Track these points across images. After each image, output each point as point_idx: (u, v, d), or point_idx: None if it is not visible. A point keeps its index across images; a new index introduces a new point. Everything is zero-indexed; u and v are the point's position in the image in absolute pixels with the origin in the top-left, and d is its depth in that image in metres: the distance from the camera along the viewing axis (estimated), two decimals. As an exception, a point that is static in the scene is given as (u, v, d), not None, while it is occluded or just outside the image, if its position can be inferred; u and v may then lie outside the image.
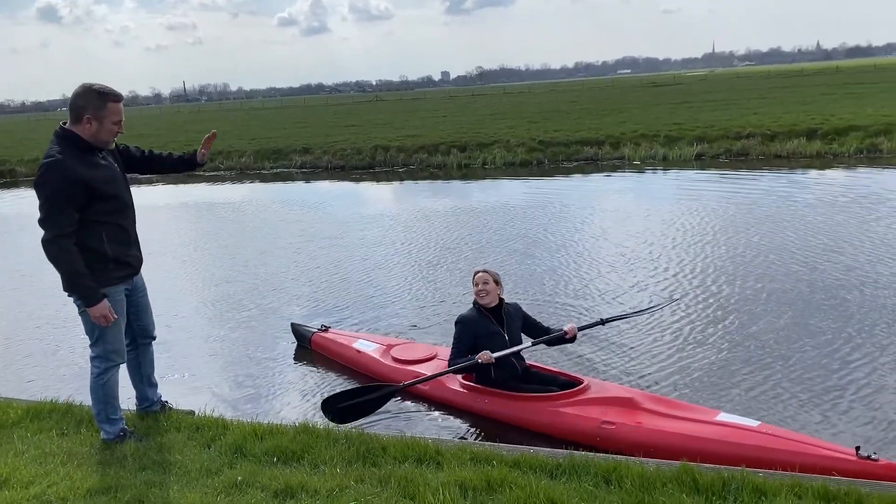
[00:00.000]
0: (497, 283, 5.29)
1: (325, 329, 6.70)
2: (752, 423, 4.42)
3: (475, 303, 5.31)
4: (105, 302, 3.91)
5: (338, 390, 5.46)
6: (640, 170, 18.65)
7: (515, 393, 5.08)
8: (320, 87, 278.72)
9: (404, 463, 3.80)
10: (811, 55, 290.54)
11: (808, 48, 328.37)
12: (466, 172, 20.60)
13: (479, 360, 5.04)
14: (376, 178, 21.20)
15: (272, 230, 13.27)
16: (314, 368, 6.44)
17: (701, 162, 19.00)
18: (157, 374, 4.71)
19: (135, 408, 4.69)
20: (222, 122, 43.23)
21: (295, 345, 6.93)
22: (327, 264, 10.18)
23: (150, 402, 4.58)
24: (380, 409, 5.20)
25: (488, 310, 5.26)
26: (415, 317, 7.63)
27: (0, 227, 15.73)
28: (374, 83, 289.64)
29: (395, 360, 5.91)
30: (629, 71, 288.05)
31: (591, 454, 3.88)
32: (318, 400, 5.59)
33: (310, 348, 6.71)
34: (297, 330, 6.94)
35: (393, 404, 5.46)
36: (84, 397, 5.29)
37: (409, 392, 5.52)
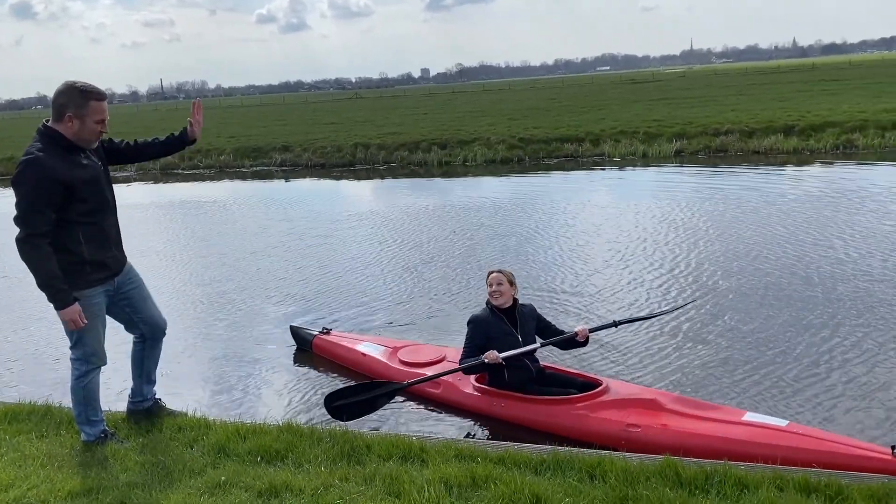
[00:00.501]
0: (511, 283, 5.17)
1: (327, 332, 6.55)
2: (781, 422, 4.33)
3: (488, 303, 5.19)
4: (76, 306, 3.81)
5: (340, 387, 5.42)
6: (621, 167, 18.77)
7: (533, 396, 4.94)
8: (299, 85, 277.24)
9: (389, 461, 3.79)
10: (787, 52, 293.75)
11: (784, 45, 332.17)
12: (447, 170, 20.62)
13: (486, 360, 4.93)
14: (357, 175, 21.15)
15: (261, 229, 13.13)
16: (317, 372, 6.27)
17: (680, 158, 19.16)
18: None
19: (119, 407, 4.63)
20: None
21: (294, 348, 6.76)
22: (319, 263, 10.09)
23: (142, 398, 4.46)
24: (390, 414, 5.13)
25: (502, 310, 5.13)
26: (409, 316, 7.55)
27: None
28: (353, 80, 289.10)
29: (403, 362, 5.75)
30: (608, 68, 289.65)
31: (575, 449, 3.90)
32: (319, 402, 5.56)
33: (310, 351, 6.56)
34: (296, 333, 6.77)
35: (405, 409, 5.37)
36: (63, 399, 5.25)
37: (422, 396, 5.43)
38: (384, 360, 5.87)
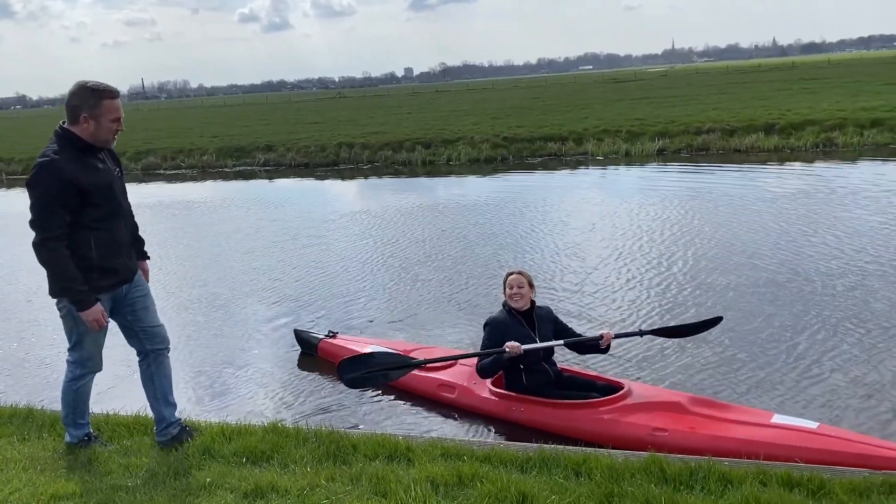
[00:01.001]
0: (531, 285, 5.06)
1: (333, 335, 6.43)
2: (811, 424, 4.25)
3: (505, 304, 5.07)
4: (98, 306, 3.74)
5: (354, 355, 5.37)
6: (604, 165, 18.86)
7: (554, 400, 4.81)
8: (282, 84, 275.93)
9: (375, 460, 3.79)
10: (767, 51, 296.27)
11: (764, 44, 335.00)
12: (431, 169, 20.62)
13: (507, 349, 4.77)
14: (341, 175, 21.10)
15: (254, 230, 12.99)
16: (322, 376, 6.15)
17: (663, 157, 19.28)
18: None
19: (97, 409, 4.58)
20: (182, 120, 42.62)
21: (298, 351, 6.65)
22: (314, 264, 9.98)
23: (166, 424, 4.08)
24: (399, 419, 5.10)
25: (520, 313, 5.01)
26: (407, 316, 7.50)
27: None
28: (336, 80, 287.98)
29: None
30: (591, 67, 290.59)
31: (560, 447, 3.91)
32: (323, 405, 5.55)
33: (316, 355, 6.43)
34: (301, 336, 6.64)
35: (419, 414, 5.31)
36: (45, 402, 5.21)
37: (436, 400, 5.36)
38: None
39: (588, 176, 17.60)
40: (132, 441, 4.15)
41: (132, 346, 4.14)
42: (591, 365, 5.80)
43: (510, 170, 19.19)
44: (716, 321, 5.36)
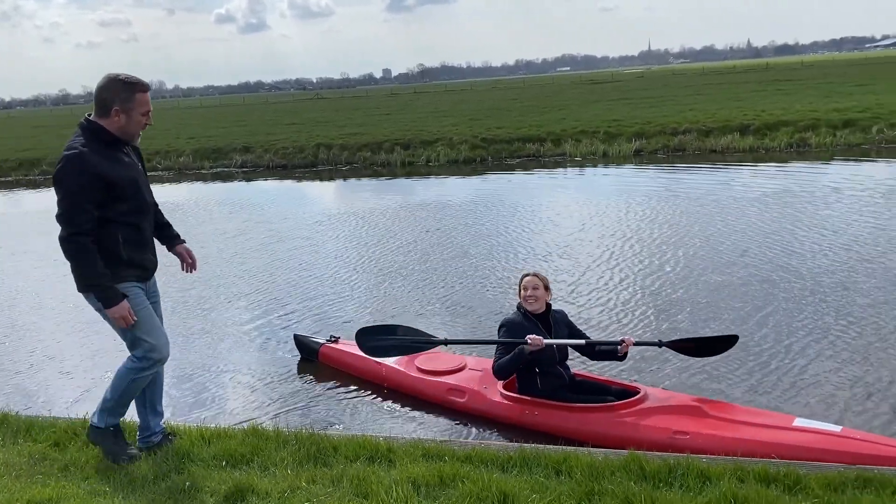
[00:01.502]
0: (546, 288, 4.96)
1: (335, 340, 6.27)
2: (834, 427, 4.22)
3: (519, 307, 4.97)
4: (125, 302, 3.66)
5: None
6: (582, 166, 18.97)
7: (570, 403, 4.70)
8: (259, 85, 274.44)
9: (356, 462, 3.79)
10: (742, 53, 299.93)
11: (739, 46, 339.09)
12: (410, 170, 20.60)
13: (528, 341, 4.65)
14: (320, 176, 21.02)
15: (239, 232, 12.86)
16: (324, 382, 6.02)
17: (640, 158, 19.43)
18: None
19: (73, 414, 4.53)
20: (159, 121, 41.84)
21: (298, 357, 6.50)
22: (305, 266, 9.89)
23: (150, 432, 4.06)
24: (412, 426, 5.06)
25: (535, 315, 4.91)
26: (401, 318, 7.37)
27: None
28: (314, 81, 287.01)
29: (421, 370, 5.50)
30: (568, 68, 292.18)
31: (541, 446, 3.93)
32: (308, 408, 5.50)
33: (317, 360, 6.30)
34: (301, 342, 6.48)
35: (428, 419, 5.20)
36: (20, 408, 5.14)
37: (446, 406, 5.25)
38: (401, 368, 5.61)
39: (567, 177, 17.70)
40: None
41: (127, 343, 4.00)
42: (592, 369, 5.65)
43: (489, 171, 19.25)
44: (733, 340, 5.10)
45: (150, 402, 4.05)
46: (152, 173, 23.54)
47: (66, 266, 3.68)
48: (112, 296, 3.63)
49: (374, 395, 5.69)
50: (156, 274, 3.99)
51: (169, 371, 6.32)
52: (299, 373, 6.26)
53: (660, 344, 4.99)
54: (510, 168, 19.44)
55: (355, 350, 5.93)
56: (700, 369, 5.65)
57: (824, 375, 5.47)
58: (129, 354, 3.83)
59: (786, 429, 4.24)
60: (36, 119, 67.03)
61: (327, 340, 6.31)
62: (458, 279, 8.71)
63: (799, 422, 4.32)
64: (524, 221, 11.96)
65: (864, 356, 5.74)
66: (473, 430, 5.00)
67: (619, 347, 4.85)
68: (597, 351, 5.01)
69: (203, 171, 23.38)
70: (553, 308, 5.05)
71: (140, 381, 3.83)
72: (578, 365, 5.43)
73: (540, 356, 4.75)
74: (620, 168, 18.14)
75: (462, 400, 5.16)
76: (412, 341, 5.09)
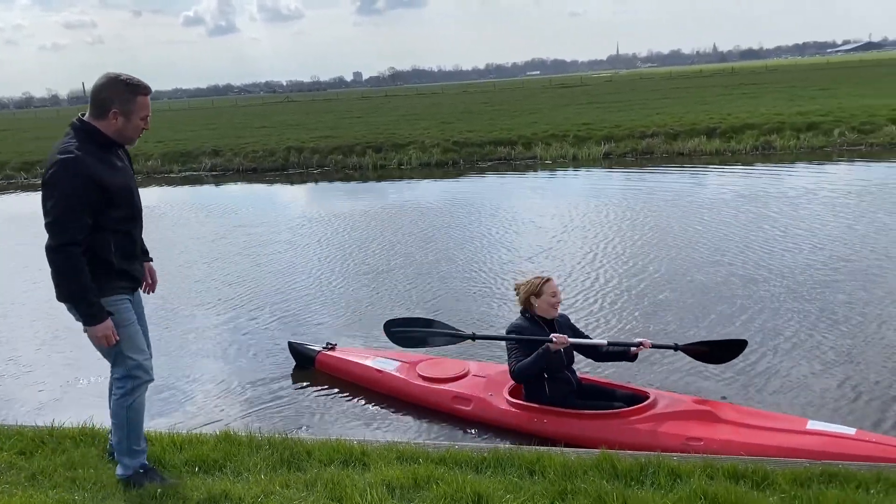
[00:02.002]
0: None
1: (332, 347, 6.16)
2: (849, 430, 4.20)
3: (525, 312, 4.87)
4: (108, 322, 3.43)
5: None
6: (553, 169, 19.10)
7: (579, 410, 4.62)
8: (229, 88, 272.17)
9: (330, 466, 3.78)
10: (708, 57, 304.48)
11: (705, 50, 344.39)
12: (382, 173, 20.57)
13: (553, 339, 4.58)
14: (290, 180, 20.90)
15: (219, 236, 12.68)
16: (321, 389, 5.89)
17: (609, 161, 19.62)
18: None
19: (43, 421, 4.45)
20: (125, 125, 41.30)
21: (281, 363, 6.38)
22: (291, 270, 9.76)
23: None
24: (420, 433, 5.02)
25: (544, 321, 4.83)
26: (368, 322, 7.33)
27: None
28: (284, 84, 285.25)
29: (423, 377, 5.40)
30: (538, 72, 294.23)
31: (514, 446, 3.96)
32: (285, 414, 5.44)
33: (313, 368, 6.16)
34: (296, 349, 6.32)
35: (432, 428, 5.11)
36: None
37: (450, 413, 5.13)
38: (402, 375, 5.51)
39: (539, 180, 17.81)
40: (79, 453, 4.04)
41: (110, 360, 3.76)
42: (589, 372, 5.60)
43: (461, 174, 19.30)
44: (743, 345, 5.07)
45: None
46: (119, 177, 23.16)
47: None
48: (96, 313, 3.41)
49: (373, 403, 5.56)
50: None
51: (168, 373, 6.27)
52: (294, 381, 6.07)
53: (675, 347, 4.95)
54: (482, 171, 19.51)
55: (353, 357, 5.94)
56: (690, 370, 5.66)
57: (812, 376, 5.50)
58: (113, 380, 3.63)
59: (800, 432, 4.20)
60: (-2, 122, 65.67)
61: (324, 348, 6.20)
62: (440, 281, 8.71)
63: (812, 424, 4.28)
64: (503, 224, 12.01)
65: (848, 356, 5.79)
66: (479, 438, 4.87)
67: (632, 350, 4.81)
68: (606, 352, 4.95)
69: (172, 175, 23.11)
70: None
71: (137, 404, 3.61)
72: (579, 368, 5.38)
73: (549, 360, 4.67)
74: (591, 171, 18.31)
75: (467, 408, 5.05)
76: (440, 334, 5.06)
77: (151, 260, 4.00)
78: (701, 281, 8.00)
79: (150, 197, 19.03)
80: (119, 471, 3.64)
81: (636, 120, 23.85)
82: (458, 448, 3.98)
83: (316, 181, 20.29)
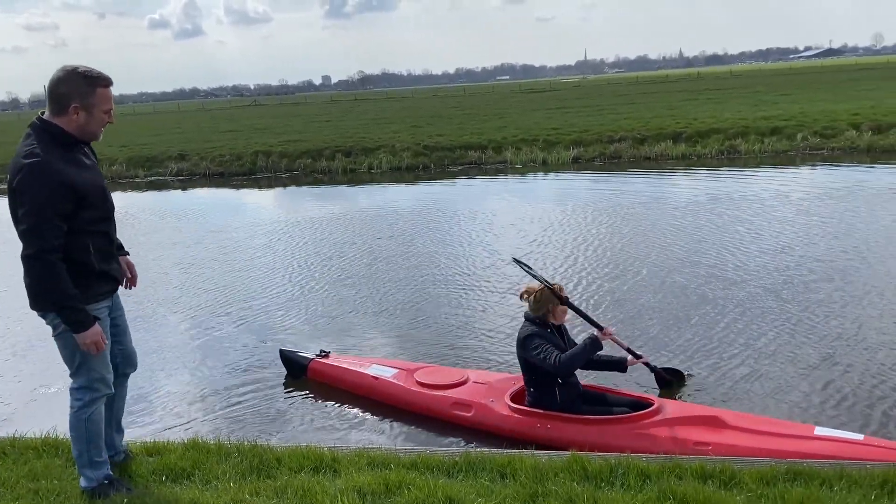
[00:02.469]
0: None
1: (325, 354, 6.03)
2: (856, 436, 4.20)
3: (534, 319, 4.80)
4: (97, 327, 3.33)
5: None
6: (523, 173, 19.20)
7: (583, 416, 4.58)
8: (195, 92, 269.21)
9: (300, 473, 3.75)
10: (674, 62, 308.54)
11: (671, 56, 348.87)
12: (352, 177, 20.51)
13: (605, 330, 4.65)
14: (259, 184, 20.72)
15: (195, 241, 12.49)
16: (316, 397, 5.79)
17: (578, 165, 19.79)
18: None
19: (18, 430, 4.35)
20: (89, 129, 40.62)
21: (284, 374, 6.20)
22: (272, 275, 9.65)
23: (115, 451, 3.83)
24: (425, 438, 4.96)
25: (555, 326, 4.83)
26: (376, 326, 7.35)
27: None
28: (252, 87, 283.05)
29: (421, 384, 5.31)
30: (507, 77, 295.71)
31: (486, 450, 3.97)
32: (256, 421, 5.36)
33: (305, 377, 6.00)
34: (288, 357, 6.15)
35: (433, 437, 5.00)
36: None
37: (450, 421, 5.05)
38: (400, 383, 5.42)
39: (509, 184, 17.87)
40: (42, 463, 3.95)
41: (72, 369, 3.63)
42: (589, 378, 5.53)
43: (432, 178, 19.31)
44: (680, 375, 5.45)
45: (116, 419, 3.84)
46: (83, 182, 22.76)
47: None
48: (83, 319, 3.29)
49: (369, 411, 5.48)
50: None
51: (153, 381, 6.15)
52: (286, 388, 5.99)
53: (651, 367, 5.29)
54: (453, 175, 19.54)
55: (348, 365, 5.83)
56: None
57: (797, 378, 5.53)
58: (71, 390, 3.49)
59: (808, 438, 4.20)
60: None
61: (317, 355, 6.06)
62: (416, 285, 8.70)
63: (820, 430, 4.28)
64: (480, 228, 12.02)
65: (829, 357, 5.84)
66: (480, 444, 4.72)
67: (626, 361, 5.06)
68: (601, 362, 5.04)
69: (137, 180, 22.77)
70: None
71: (95, 415, 3.50)
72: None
73: (596, 351, 4.73)
74: (560, 175, 18.45)
75: (468, 414, 4.97)
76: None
77: (128, 254, 3.91)
78: (681, 282, 8.08)
79: (118, 202, 18.53)
80: (83, 483, 3.55)
81: (604, 124, 24.08)
82: (430, 452, 3.98)
83: (285, 185, 20.15)
